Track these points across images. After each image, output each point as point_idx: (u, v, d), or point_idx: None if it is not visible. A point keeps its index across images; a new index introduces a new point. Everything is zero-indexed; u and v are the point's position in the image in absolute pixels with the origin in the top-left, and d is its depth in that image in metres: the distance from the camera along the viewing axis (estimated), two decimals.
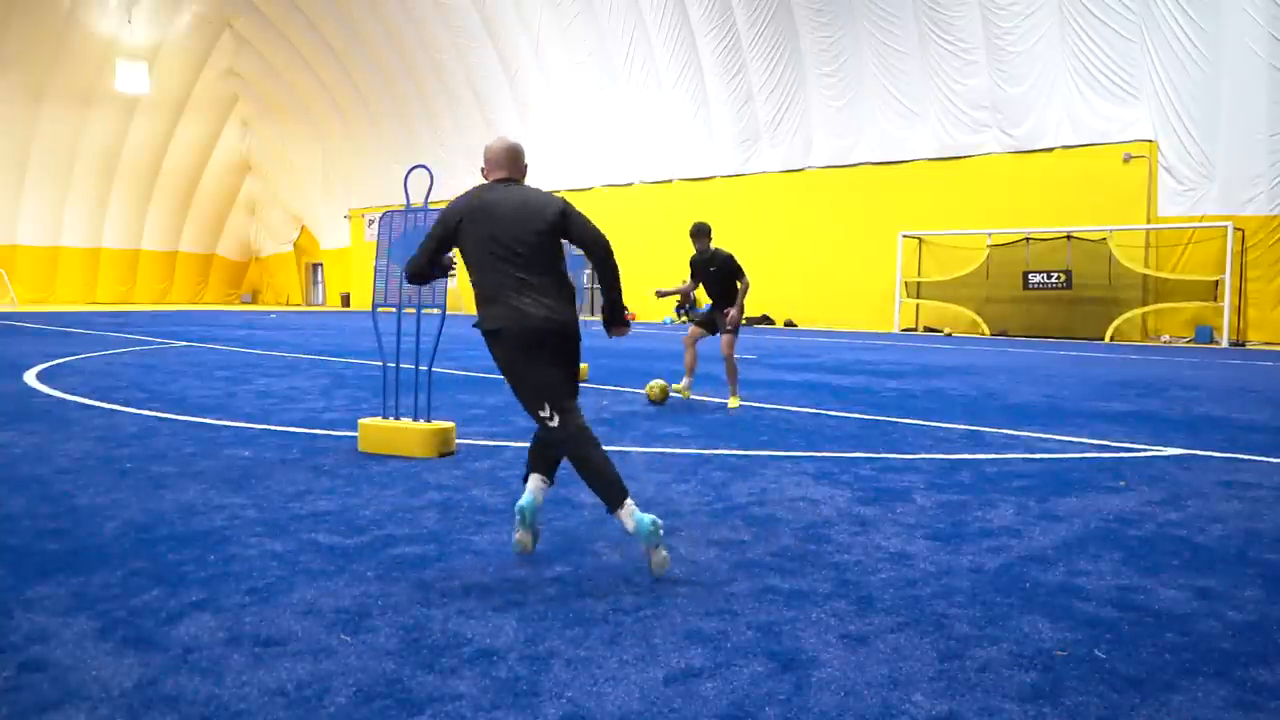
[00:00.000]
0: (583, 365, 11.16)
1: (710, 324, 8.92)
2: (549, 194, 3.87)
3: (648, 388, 9.01)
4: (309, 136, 45.67)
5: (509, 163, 3.95)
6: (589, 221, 3.86)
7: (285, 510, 4.52)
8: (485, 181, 3.95)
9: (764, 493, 5.04)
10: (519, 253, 3.70)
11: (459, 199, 3.86)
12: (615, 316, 4.02)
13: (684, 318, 31.27)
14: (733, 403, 8.63)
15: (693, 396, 9.16)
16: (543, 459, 3.92)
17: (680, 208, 31.61)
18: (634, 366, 13.10)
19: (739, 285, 8.73)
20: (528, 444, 4.12)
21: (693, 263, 8.80)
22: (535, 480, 3.87)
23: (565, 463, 3.86)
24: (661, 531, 3.50)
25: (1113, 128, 23.28)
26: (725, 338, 8.68)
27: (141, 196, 46.12)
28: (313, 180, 46.97)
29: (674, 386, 9.12)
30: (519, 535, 3.82)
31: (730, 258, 8.70)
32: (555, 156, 35.74)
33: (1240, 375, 13.08)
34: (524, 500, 3.78)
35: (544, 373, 3.69)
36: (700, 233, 8.63)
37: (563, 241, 3.85)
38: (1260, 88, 20.95)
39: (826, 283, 28.48)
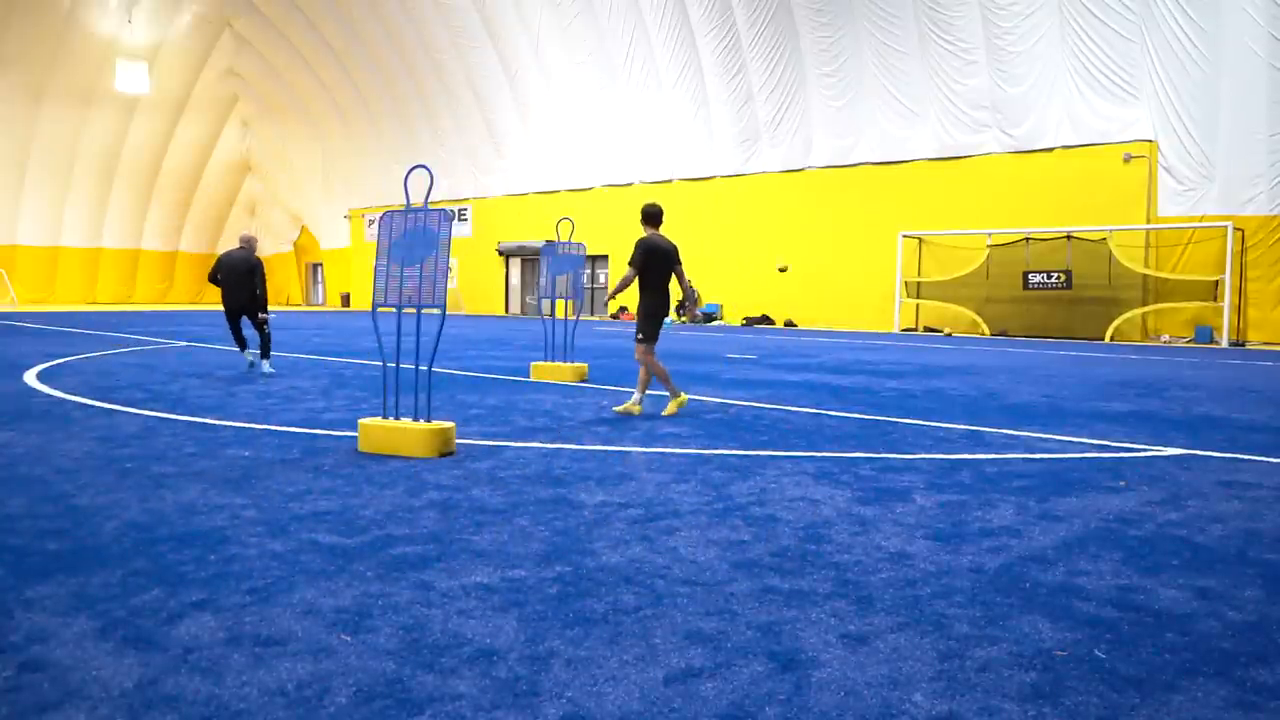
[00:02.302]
0: (582, 365, 11.22)
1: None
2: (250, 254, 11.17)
3: None
4: (309, 136, 45.68)
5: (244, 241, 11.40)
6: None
7: (285, 510, 4.52)
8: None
9: (764, 493, 5.04)
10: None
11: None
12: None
13: (684, 318, 31.25)
14: (632, 405, 8.06)
15: (688, 400, 8.49)
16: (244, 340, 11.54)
17: (680, 208, 31.59)
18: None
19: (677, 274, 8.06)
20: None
21: (659, 249, 7.95)
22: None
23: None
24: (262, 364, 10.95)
25: (1113, 128, 23.28)
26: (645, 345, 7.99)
27: (141, 196, 46.13)
28: (313, 180, 46.97)
29: (628, 406, 8.07)
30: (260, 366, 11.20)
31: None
32: (555, 156, 35.75)
33: (1240, 375, 13.08)
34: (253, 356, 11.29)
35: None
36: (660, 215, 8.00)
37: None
38: (1260, 88, 20.95)
39: (826, 283, 28.48)
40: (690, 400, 9.05)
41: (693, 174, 31.94)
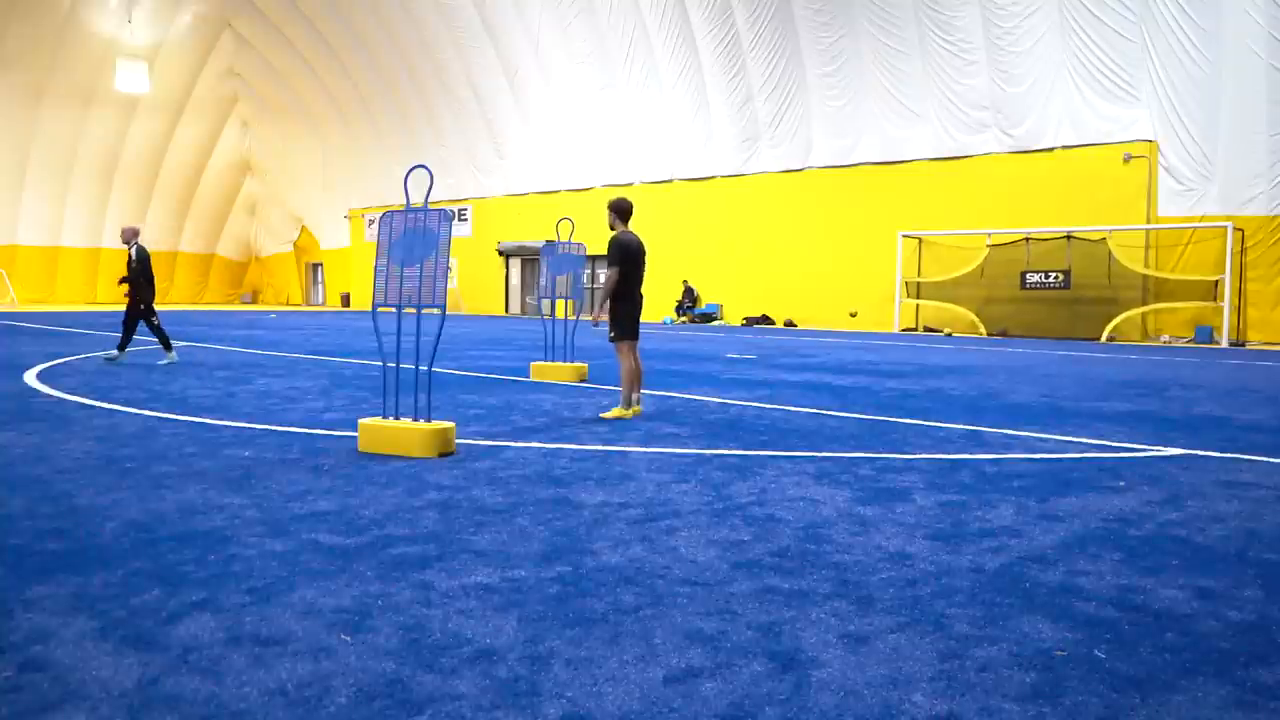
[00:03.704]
0: (582, 365, 11.22)
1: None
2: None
3: None
4: (309, 136, 45.66)
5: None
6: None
7: (285, 510, 4.52)
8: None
9: (764, 493, 5.04)
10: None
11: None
12: None
13: (684, 317, 31.25)
14: (628, 412, 7.85)
15: (633, 416, 7.88)
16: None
17: (680, 208, 31.63)
18: None
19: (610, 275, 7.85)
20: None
21: (635, 247, 7.87)
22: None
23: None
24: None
25: (1113, 128, 23.27)
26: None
27: (141, 196, 46.09)
28: (313, 180, 46.95)
29: (618, 411, 7.82)
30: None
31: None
32: (555, 156, 35.74)
33: (1240, 375, 13.08)
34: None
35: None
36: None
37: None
38: (1260, 88, 20.94)
39: (826, 283, 28.48)
40: (691, 400, 9.05)
41: (693, 174, 31.94)
